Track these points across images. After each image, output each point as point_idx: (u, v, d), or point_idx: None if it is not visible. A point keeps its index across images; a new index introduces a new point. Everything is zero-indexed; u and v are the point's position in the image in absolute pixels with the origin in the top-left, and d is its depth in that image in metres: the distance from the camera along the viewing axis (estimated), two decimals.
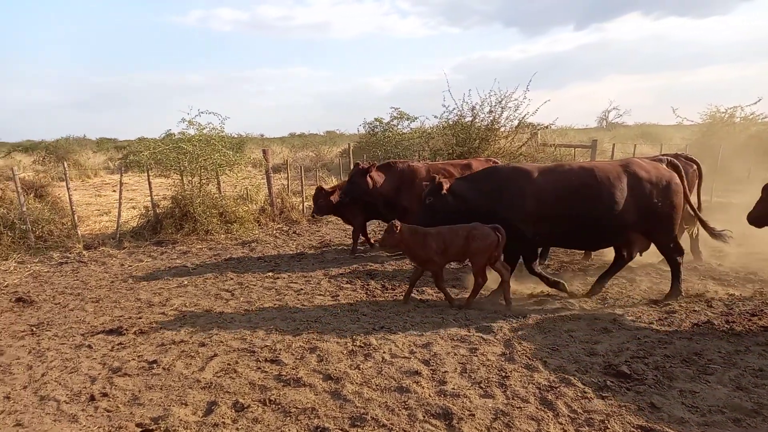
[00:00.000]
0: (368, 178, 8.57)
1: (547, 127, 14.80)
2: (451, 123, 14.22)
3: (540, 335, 5.04)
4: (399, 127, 17.84)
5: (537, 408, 3.70)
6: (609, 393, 3.88)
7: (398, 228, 5.95)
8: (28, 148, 33.57)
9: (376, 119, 18.93)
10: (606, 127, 48.01)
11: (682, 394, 3.84)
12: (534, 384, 4.04)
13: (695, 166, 7.65)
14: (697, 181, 7.61)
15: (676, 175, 6.10)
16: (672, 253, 6.16)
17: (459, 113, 13.89)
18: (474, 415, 3.61)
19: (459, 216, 6.29)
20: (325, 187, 9.54)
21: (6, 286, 7.47)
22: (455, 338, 5.01)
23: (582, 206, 5.92)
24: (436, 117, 15.00)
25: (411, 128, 17.50)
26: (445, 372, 4.28)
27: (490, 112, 13.40)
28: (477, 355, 4.59)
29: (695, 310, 5.64)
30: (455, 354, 4.64)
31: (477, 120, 13.54)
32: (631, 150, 15.89)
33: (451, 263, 7.05)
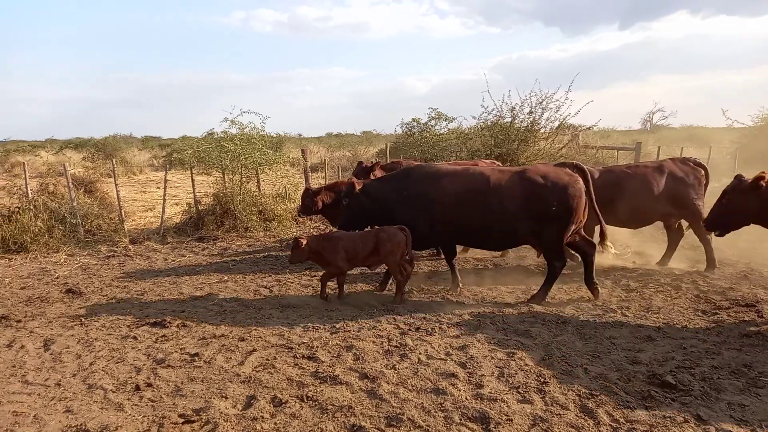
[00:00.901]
0: (371, 177, 8.56)
1: (589, 128, 14.46)
2: (489, 124, 14.06)
3: (580, 341, 4.93)
4: (437, 127, 17.75)
5: (577, 416, 3.62)
6: (653, 403, 3.77)
7: (304, 242, 6.13)
8: (77, 145, 35.05)
9: (413, 119, 18.89)
10: (650, 129, 46.56)
11: (730, 407, 3.69)
12: (574, 391, 3.95)
13: (702, 172, 7.58)
14: (705, 186, 7.60)
15: (578, 180, 6.09)
16: (553, 259, 6.21)
17: (498, 114, 13.72)
18: (512, 420, 3.56)
19: (376, 216, 6.68)
20: (314, 187, 9.45)
21: (57, 278, 7.81)
22: (492, 341, 4.95)
23: (474, 211, 6.16)
24: (474, 117, 14.86)
25: (448, 129, 17.37)
26: (482, 375, 4.24)
27: (530, 113, 13.18)
28: (515, 360, 4.53)
29: (745, 320, 5.41)
30: (492, 357, 4.59)
31: (516, 121, 13.34)
32: (677, 152, 15.36)
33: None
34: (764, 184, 5.38)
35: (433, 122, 17.72)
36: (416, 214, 6.40)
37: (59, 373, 4.45)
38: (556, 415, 3.63)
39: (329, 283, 6.50)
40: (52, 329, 5.54)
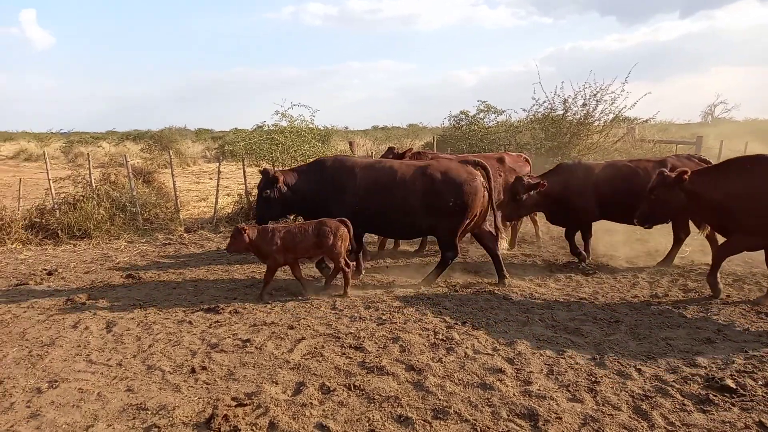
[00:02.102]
0: None
1: (645, 121, 13.90)
2: (540, 116, 13.74)
3: (634, 341, 4.78)
4: (485, 120, 17.48)
5: (630, 417, 3.52)
6: (711, 407, 3.61)
7: (246, 232, 6.05)
8: (136, 137, 36.59)
9: (461, 112, 18.68)
10: (711, 122, 44.25)
11: None
12: (627, 392, 3.84)
13: None
14: None
15: (477, 177, 6.45)
16: (446, 249, 6.64)
17: (549, 106, 13.38)
18: (561, 418, 3.50)
19: (297, 207, 6.97)
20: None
21: (117, 263, 8.21)
22: (541, 338, 4.87)
23: (382, 202, 6.51)
24: (524, 110, 14.54)
25: (497, 122, 17.09)
26: (530, 372, 4.18)
27: (584, 105, 12.79)
28: (564, 358, 4.43)
29: None
30: (541, 355, 4.51)
31: (569, 114, 12.97)
32: (741, 148, 14.54)
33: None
34: (687, 179, 5.75)
35: (481, 115, 17.46)
36: (336, 205, 6.59)
37: (121, 354, 4.69)
38: (608, 415, 3.54)
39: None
40: (113, 312, 5.84)
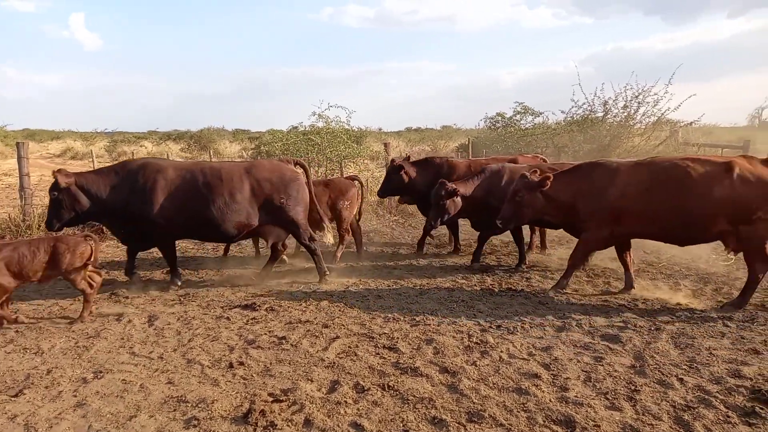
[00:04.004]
0: (402, 174, 8.53)
1: (690, 124, 13.46)
2: (578, 119, 13.48)
3: (675, 350, 4.64)
4: (522, 122, 17.28)
5: (671, 427, 3.42)
6: (757, 420, 3.48)
7: None
8: (176, 137, 37.64)
9: (498, 114, 18.52)
10: (758, 126, 42.48)
11: None
12: (668, 401, 3.73)
13: None
14: None
15: (299, 175, 6.89)
16: (303, 240, 6.96)
17: (589, 108, 13.12)
18: (599, 426, 3.42)
19: (90, 213, 6.48)
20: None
21: (159, 259, 8.44)
22: (578, 344, 4.78)
23: (202, 203, 6.40)
24: (562, 112, 14.29)
25: (534, 123, 16.86)
26: (567, 378, 4.11)
27: (625, 107, 12.48)
28: (602, 365, 4.34)
29: None
30: (578, 361, 4.43)
31: (609, 116, 12.68)
32: None
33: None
34: (548, 183, 6.17)
35: (518, 117, 17.26)
36: (148, 209, 6.33)
37: (162, 347, 4.83)
38: (648, 425, 3.45)
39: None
40: (155, 306, 6.02)
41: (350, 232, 8.32)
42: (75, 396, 3.91)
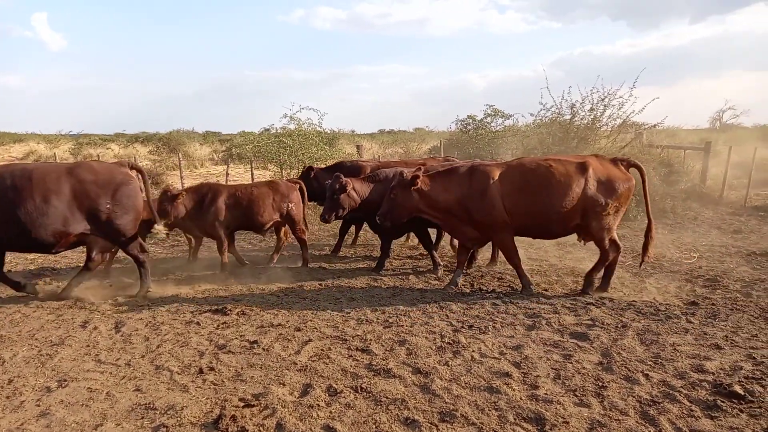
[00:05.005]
0: (312, 179, 8.69)
1: (653, 126, 13.83)
2: (547, 121, 13.72)
3: (641, 347, 4.76)
4: (492, 124, 17.50)
5: (637, 422, 3.50)
6: (719, 413, 3.60)
7: None
8: (144, 139, 36.78)
9: (469, 116, 18.71)
10: (719, 128, 43.98)
11: None
12: (634, 397, 3.83)
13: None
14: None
15: (132, 179, 6.42)
16: (129, 250, 6.55)
17: (557, 111, 13.36)
18: (568, 422, 3.49)
19: None
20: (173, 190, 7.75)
21: (126, 264, 8.25)
22: (548, 343, 4.86)
23: (8, 207, 5.77)
24: (532, 114, 14.53)
25: (505, 126, 17.11)
26: (537, 376, 4.17)
27: (592, 110, 12.75)
28: (571, 362, 4.43)
29: None
30: (548, 359, 4.51)
31: (576, 118, 12.94)
32: (750, 153, 14.42)
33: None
34: (419, 183, 6.47)
35: (489, 119, 17.48)
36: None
37: (129, 354, 4.72)
38: (615, 420, 3.53)
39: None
40: (122, 312, 5.88)
41: (305, 233, 8.20)
42: (38, 405, 3.80)
